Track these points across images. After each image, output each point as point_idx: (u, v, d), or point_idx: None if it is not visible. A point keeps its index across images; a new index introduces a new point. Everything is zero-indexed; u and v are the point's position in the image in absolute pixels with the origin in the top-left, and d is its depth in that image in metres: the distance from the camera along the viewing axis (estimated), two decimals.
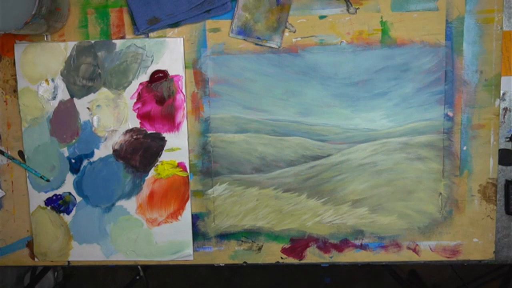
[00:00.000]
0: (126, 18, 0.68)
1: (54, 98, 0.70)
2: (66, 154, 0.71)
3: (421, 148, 0.68)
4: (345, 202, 0.69)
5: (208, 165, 0.70)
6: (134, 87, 0.69)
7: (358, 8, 0.66)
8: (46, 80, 0.69)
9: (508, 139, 0.68)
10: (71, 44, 0.68)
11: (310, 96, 0.68)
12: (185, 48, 0.68)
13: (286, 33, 0.67)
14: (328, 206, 0.70)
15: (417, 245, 0.70)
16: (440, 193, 0.69)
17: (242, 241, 0.72)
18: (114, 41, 0.68)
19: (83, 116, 0.70)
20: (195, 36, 0.68)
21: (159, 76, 0.68)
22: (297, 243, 0.71)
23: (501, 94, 0.67)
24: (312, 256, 0.71)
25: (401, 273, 1.49)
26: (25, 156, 0.71)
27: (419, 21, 0.66)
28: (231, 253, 0.72)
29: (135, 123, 0.69)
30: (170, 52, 0.68)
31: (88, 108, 0.70)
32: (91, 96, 0.69)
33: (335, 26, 0.66)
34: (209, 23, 0.68)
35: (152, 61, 0.68)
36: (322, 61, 0.67)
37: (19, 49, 0.69)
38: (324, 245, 0.71)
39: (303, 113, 0.68)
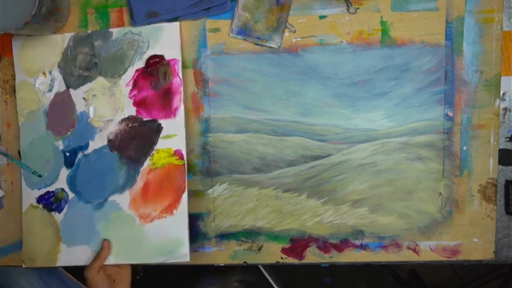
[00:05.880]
0: (126, 18, 0.68)
1: (50, 90, 0.69)
2: (61, 147, 0.70)
3: (421, 148, 0.68)
4: (345, 202, 0.69)
5: (208, 165, 0.70)
6: (130, 74, 0.68)
7: (358, 8, 0.66)
8: (43, 73, 0.69)
9: (508, 139, 0.68)
10: (68, 36, 0.68)
11: (310, 96, 0.68)
12: (181, 34, 0.67)
13: (286, 33, 0.67)
14: (328, 206, 0.70)
15: (417, 245, 0.70)
16: (440, 193, 0.69)
17: (242, 241, 0.72)
18: (110, 29, 0.68)
19: (79, 107, 0.69)
20: (195, 36, 0.68)
21: (155, 61, 0.67)
22: (297, 243, 0.71)
23: (501, 94, 0.67)
24: (312, 256, 0.71)
25: (401, 273, 1.49)
26: (21, 151, 0.70)
27: (419, 21, 0.66)
28: (231, 253, 0.72)
29: (131, 111, 0.68)
30: (166, 37, 0.67)
31: (84, 98, 0.69)
32: (87, 86, 0.69)
33: (335, 26, 0.66)
34: (209, 23, 0.68)
35: (148, 47, 0.67)
36: (322, 61, 0.67)
37: (17, 43, 0.69)
38: (324, 245, 0.71)
39: (303, 113, 0.68)
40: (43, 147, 0.70)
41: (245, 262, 0.72)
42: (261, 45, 0.67)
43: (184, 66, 0.68)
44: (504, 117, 0.67)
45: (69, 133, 0.69)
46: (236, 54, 0.68)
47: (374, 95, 0.67)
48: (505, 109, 0.67)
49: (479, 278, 1.42)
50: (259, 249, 0.72)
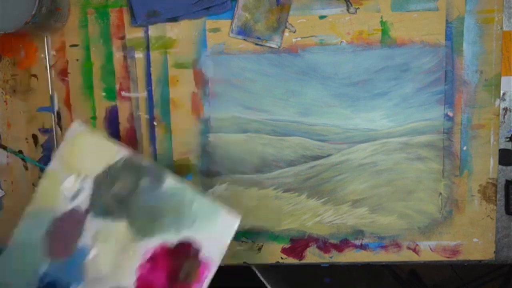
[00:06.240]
0: (126, 18, 0.68)
1: (73, 199, 0.55)
2: (43, 270, 0.54)
3: (421, 148, 0.68)
4: (345, 202, 0.69)
5: (208, 165, 0.70)
6: (154, 243, 0.52)
7: (358, 8, 0.66)
8: (76, 176, 0.55)
9: (508, 139, 0.68)
10: (124, 153, 0.54)
11: (310, 96, 0.68)
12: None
13: (286, 33, 0.67)
14: (328, 206, 0.70)
15: (417, 245, 0.70)
16: (440, 193, 0.69)
17: (242, 241, 0.72)
18: (168, 175, 0.53)
19: (85, 239, 0.53)
20: (195, 36, 0.68)
21: (186, 249, 0.52)
22: (297, 243, 0.71)
23: (501, 94, 0.67)
24: (312, 256, 0.71)
25: (401, 273, 1.49)
26: (8, 244, 0.56)
27: (419, 21, 0.66)
28: (231, 253, 0.72)
29: (130, 285, 0.53)
30: (216, 228, 0.52)
31: (95, 233, 0.54)
32: (107, 223, 0.54)
33: (335, 26, 0.66)
34: (209, 23, 0.68)
35: (191, 226, 0.52)
36: (322, 61, 0.67)
37: (76, 128, 0.55)
38: (324, 245, 0.71)
39: (303, 113, 0.68)
40: (29, 256, 0.54)
41: (245, 262, 0.72)
42: (261, 45, 0.67)
43: (184, 66, 0.68)
44: (504, 117, 0.68)
45: (59, 260, 0.54)
46: (236, 54, 0.68)
47: (374, 95, 0.67)
48: (505, 109, 0.67)
49: (479, 278, 1.42)
50: (259, 249, 0.72)
